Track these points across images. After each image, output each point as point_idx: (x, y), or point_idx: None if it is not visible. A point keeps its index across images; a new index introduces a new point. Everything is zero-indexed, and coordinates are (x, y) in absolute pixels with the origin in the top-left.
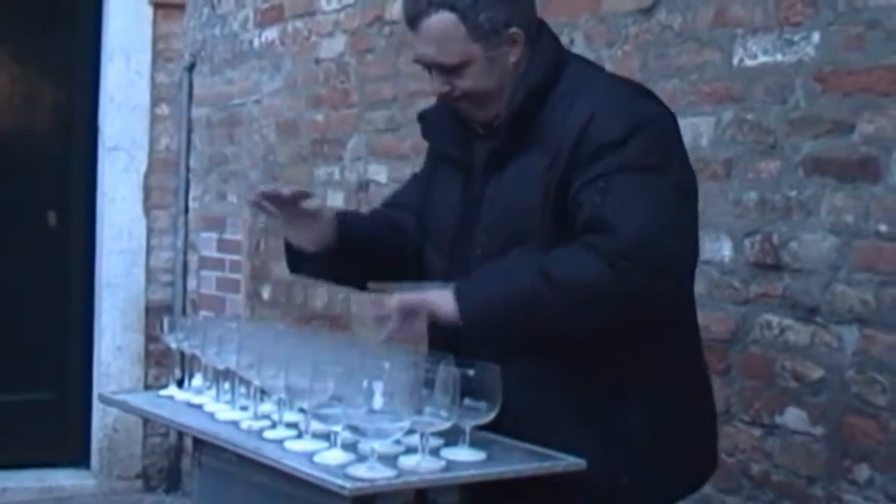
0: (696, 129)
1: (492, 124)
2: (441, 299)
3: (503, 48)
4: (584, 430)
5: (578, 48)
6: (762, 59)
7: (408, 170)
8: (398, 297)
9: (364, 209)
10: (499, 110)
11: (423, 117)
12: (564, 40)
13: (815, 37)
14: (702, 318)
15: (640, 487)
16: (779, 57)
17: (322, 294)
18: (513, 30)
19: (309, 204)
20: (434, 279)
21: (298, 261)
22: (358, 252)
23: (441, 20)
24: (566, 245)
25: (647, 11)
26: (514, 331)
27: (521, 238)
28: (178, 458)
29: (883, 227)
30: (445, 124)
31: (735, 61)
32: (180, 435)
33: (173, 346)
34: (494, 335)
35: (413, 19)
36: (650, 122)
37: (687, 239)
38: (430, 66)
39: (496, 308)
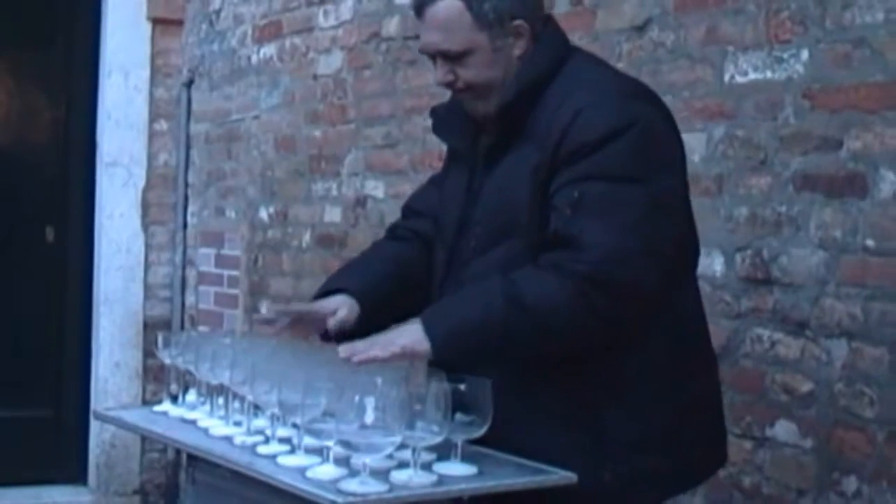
0: (687, 146)
1: (495, 119)
2: (415, 337)
3: (508, 40)
4: (565, 428)
5: None
6: (752, 76)
7: (405, 185)
8: (379, 355)
9: (374, 256)
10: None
11: (434, 112)
12: None
13: (804, 54)
14: None
15: (627, 484)
16: (769, 74)
17: None
18: (518, 22)
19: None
20: (437, 272)
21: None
22: (386, 309)
23: (447, 7)
24: (533, 264)
25: (640, 29)
26: (485, 355)
27: (510, 232)
28: (176, 473)
29: (870, 242)
30: (455, 120)
31: (726, 78)
32: (178, 450)
33: (168, 361)
34: (465, 361)
35: (420, 7)
36: (632, 125)
37: (658, 258)
38: (435, 55)
39: (466, 336)
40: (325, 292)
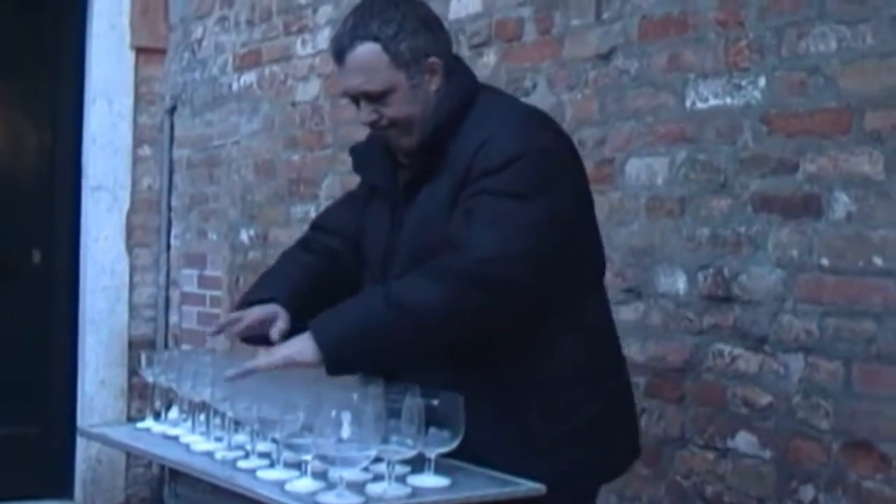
0: (651, 169)
1: (414, 153)
2: (300, 347)
3: (424, 76)
4: (493, 427)
5: (541, 92)
6: (713, 102)
7: None
8: (260, 364)
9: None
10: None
11: (354, 151)
12: (527, 84)
13: (762, 81)
14: (658, 347)
15: (554, 478)
16: (728, 100)
17: None
18: (432, 59)
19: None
20: None
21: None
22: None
23: (365, 50)
24: (416, 270)
25: (606, 57)
26: (371, 357)
27: (431, 257)
28: (161, 488)
29: (825, 261)
30: (374, 157)
31: (688, 104)
32: (162, 465)
33: (151, 380)
34: (356, 364)
35: (340, 54)
36: (532, 152)
37: (537, 266)
38: (358, 97)
39: (352, 340)
40: (250, 301)
